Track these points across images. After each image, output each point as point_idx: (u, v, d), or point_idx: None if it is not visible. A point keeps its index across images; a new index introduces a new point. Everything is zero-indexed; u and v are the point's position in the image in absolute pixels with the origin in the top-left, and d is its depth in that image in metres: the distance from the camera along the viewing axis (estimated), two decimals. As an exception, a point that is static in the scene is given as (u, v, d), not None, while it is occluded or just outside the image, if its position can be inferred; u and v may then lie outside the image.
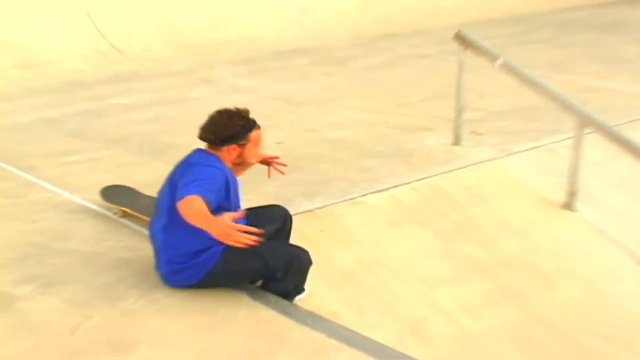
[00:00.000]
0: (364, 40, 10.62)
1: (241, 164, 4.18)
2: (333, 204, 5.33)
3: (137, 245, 4.59)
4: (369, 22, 11.43)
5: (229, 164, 4.10)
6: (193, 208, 3.69)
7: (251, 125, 4.12)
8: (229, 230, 3.64)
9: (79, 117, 7.39)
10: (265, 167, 4.53)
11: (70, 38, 9.44)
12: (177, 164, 4.14)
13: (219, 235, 3.67)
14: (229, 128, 4.08)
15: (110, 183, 5.39)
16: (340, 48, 10.22)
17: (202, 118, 4.17)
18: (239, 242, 3.64)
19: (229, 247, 3.86)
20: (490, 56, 6.14)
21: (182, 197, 3.72)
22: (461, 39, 6.23)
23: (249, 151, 4.14)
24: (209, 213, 3.70)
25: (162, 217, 4.06)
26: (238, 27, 10.53)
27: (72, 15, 9.66)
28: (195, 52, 9.77)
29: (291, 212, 4.47)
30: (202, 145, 4.14)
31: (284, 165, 4.55)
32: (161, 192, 4.13)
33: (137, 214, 4.93)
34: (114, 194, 5.23)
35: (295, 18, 11.14)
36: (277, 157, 4.55)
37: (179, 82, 8.62)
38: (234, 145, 4.07)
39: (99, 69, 9.06)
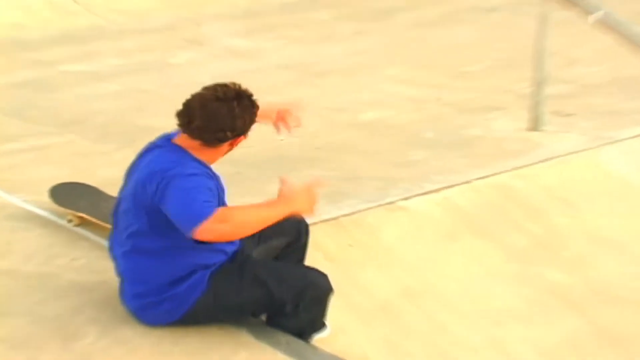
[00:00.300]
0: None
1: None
2: (365, 209, 5.34)
3: (98, 264, 4.59)
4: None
5: (210, 161, 4.07)
6: (231, 225, 3.74)
7: (255, 113, 4.10)
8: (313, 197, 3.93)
9: (19, 90, 7.42)
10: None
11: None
12: (135, 167, 4.09)
13: (306, 210, 3.94)
14: (237, 121, 4.01)
15: (63, 180, 5.40)
16: (377, -5, 10.24)
17: (188, 92, 4.14)
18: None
19: (218, 273, 3.90)
20: (584, 8, 6.11)
21: (196, 226, 3.70)
22: (544, -16, 6.22)
23: (222, 148, 4.09)
24: (252, 207, 3.90)
25: (122, 239, 4.05)
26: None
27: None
28: (179, 3, 9.80)
29: (308, 221, 4.47)
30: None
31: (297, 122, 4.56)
32: (119, 204, 4.11)
33: (98, 222, 4.95)
34: (68, 194, 5.25)
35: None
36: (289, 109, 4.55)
37: (156, 42, 8.64)
38: (226, 144, 4.08)
39: (48, 23, 9.09)
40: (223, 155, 4.09)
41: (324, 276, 4.12)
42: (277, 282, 4.02)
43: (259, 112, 4.14)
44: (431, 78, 7.62)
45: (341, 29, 9.10)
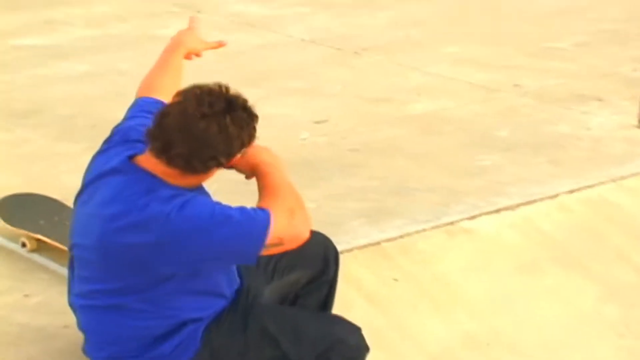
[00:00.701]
0: None
1: None
2: (417, 232, 5.37)
3: (59, 302, 4.59)
4: None
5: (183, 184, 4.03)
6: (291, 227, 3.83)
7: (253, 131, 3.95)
8: None
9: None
10: None
11: None
12: (87, 195, 3.99)
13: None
14: (237, 142, 4.00)
15: (13, 190, 5.45)
16: None
17: (190, 79, 4.17)
18: None
19: (215, 325, 3.88)
20: None
21: (266, 237, 3.72)
22: None
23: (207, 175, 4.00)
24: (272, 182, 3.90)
25: (82, 290, 4.04)
26: None
27: None
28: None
29: (339, 247, 4.48)
30: None
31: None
32: (73, 244, 4.09)
33: (60, 246, 4.98)
34: (21, 209, 5.31)
35: None
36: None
37: (138, 7, 8.68)
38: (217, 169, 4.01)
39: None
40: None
41: (356, 330, 4.02)
42: (292, 339, 3.95)
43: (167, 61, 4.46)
44: (505, 57, 7.63)
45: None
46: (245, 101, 3.85)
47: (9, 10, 8.62)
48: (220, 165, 3.82)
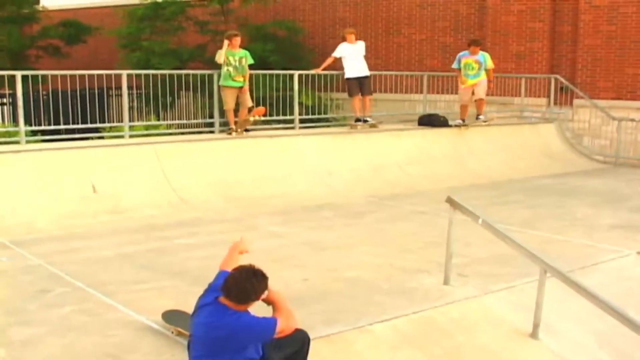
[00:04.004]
0: (376, 198, 10.68)
1: None
2: (346, 330, 5.25)
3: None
4: (380, 184, 11.53)
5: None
6: (291, 326, 3.97)
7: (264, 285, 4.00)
8: None
9: (150, 253, 7.42)
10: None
11: (149, 191, 9.60)
12: (199, 321, 3.97)
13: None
14: (258, 291, 3.94)
15: (170, 308, 5.35)
16: (358, 204, 10.27)
17: (245, 257, 4.16)
18: None
19: None
20: (474, 216, 6.17)
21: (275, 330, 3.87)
22: (451, 202, 6.30)
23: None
24: (286, 315, 3.98)
25: (195, 356, 3.97)
26: (276, 185, 10.65)
27: (152, 175, 9.86)
28: (244, 204, 9.87)
29: (311, 336, 4.37)
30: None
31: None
32: (194, 342, 4.01)
33: (186, 333, 4.86)
34: (173, 317, 5.20)
35: (322, 179, 11.27)
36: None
37: (229, 227, 8.65)
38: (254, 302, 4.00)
39: (169, 215, 9.16)
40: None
41: None
42: None
43: (230, 258, 4.47)
44: (387, 252, 7.56)
45: (336, 222, 9.12)
46: (261, 271, 3.94)
47: (174, 228, 8.59)
48: (254, 301, 3.92)
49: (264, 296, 3.96)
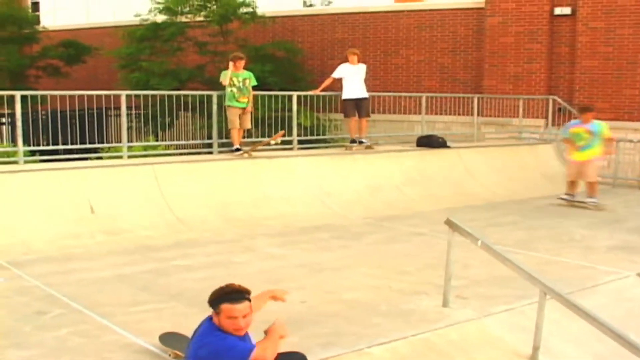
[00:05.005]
0: (373, 219, 10.67)
1: (226, 331, 3.94)
2: (344, 353, 5.20)
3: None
4: (378, 205, 11.53)
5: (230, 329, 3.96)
6: (267, 356, 3.88)
7: (222, 298, 3.91)
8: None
9: (147, 275, 7.38)
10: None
11: (147, 212, 9.57)
12: (193, 337, 4.03)
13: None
14: (210, 297, 3.99)
15: (167, 330, 5.32)
16: (355, 225, 10.25)
17: (243, 279, 4.14)
18: None
19: None
20: (473, 238, 6.15)
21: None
22: (450, 224, 6.28)
23: (223, 321, 3.91)
24: (266, 346, 3.91)
25: None
26: (274, 206, 10.64)
27: (150, 195, 9.84)
28: (241, 225, 9.84)
29: (309, 359, 4.35)
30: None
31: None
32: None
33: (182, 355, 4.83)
34: (170, 339, 5.17)
35: (321, 200, 11.26)
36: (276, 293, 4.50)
37: (226, 248, 8.62)
38: (214, 312, 3.96)
39: (167, 236, 9.12)
40: (233, 325, 3.91)
41: None
42: None
43: (260, 297, 4.32)
44: (385, 274, 7.53)
45: (333, 244, 9.09)
46: (236, 286, 3.97)
47: (171, 249, 8.56)
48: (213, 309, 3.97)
49: (217, 310, 3.92)
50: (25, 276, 7.18)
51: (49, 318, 5.95)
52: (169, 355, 4.99)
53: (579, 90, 15.87)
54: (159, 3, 18.36)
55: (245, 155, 11.49)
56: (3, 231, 8.37)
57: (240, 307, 3.86)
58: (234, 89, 11.49)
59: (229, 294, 3.91)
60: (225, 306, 3.88)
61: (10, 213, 8.65)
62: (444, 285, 6.36)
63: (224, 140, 12.21)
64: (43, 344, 5.36)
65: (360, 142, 13.05)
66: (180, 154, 12.17)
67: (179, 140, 15.66)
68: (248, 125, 11.77)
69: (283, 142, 12.85)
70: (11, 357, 5.08)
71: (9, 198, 8.83)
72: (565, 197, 12.16)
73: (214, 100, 11.95)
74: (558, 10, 16.08)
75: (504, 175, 13.87)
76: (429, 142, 13.99)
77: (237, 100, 11.52)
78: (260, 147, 11.74)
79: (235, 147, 11.65)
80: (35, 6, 25.48)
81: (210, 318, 3.98)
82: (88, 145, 11.44)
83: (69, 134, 10.85)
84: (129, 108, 11.57)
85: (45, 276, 7.15)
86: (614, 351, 5.51)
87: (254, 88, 11.81)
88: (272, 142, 11.61)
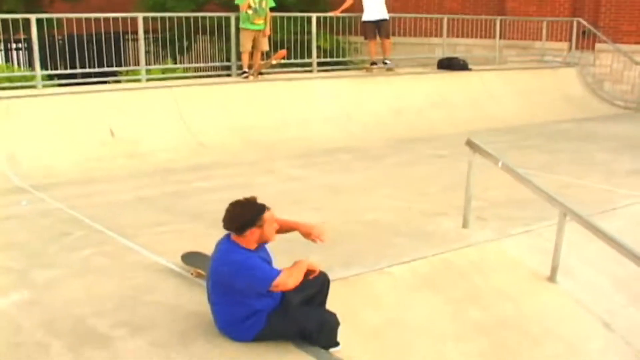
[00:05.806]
0: (395, 142, 10.60)
1: (263, 242, 4.06)
2: (365, 272, 5.24)
3: (206, 300, 4.50)
4: (399, 128, 11.44)
5: (253, 245, 4.00)
6: (289, 284, 3.87)
7: (261, 209, 4.01)
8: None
9: (168, 197, 7.43)
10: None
11: (167, 135, 9.57)
12: (214, 257, 4.07)
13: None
14: (245, 216, 3.99)
15: (189, 250, 5.37)
16: (376, 148, 10.19)
17: (264, 200, 4.14)
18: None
19: (273, 313, 3.83)
20: (493, 159, 6.09)
21: (272, 286, 3.84)
22: (471, 145, 6.22)
23: (267, 230, 4.00)
24: (291, 273, 3.92)
25: (214, 295, 4.01)
26: (294, 129, 10.59)
27: (170, 119, 9.82)
28: (262, 148, 9.83)
29: (330, 278, 4.38)
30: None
31: (322, 240, 4.43)
32: (209, 278, 4.07)
33: (204, 274, 4.89)
34: (192, 258, 5.22)
35: (341, 123, 11.19)
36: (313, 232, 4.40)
37: (247, 171, 8.63)
38: (253, 229, 3.97)
39: (187, 159, 9.14)
40: (258, 239, 3.97)
41: (333, 315, 4.03)
42: (306, 319, 3.95)
43: (290, 224, 4.29)
44: (405, 196, 7.51)
45: (355, 166, 9.08)
46: (254, 199, 4.07)
47: (192, 171, 8.59)
48: (250, 226, 3.94)
49: (261, 222, 3.96)
50: (48, 199, 7.26)
51: (72, 239, 6.03)
52: (191, 274, 5.05)
53: (604, 12, 15.35)
54: None
55: (251, 77, 11.31)
56: (24, 155, 8.43)
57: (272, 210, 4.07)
58: (250, 11, 11.04)
59: (261, 205, 4.03)
60: (267, 215, 3.98)
61: (31, 137, 8.68)
62: (464, 207, 6.35)
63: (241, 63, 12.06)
64: (68, 264, 5.45)
65: (385, 63, 12.84)
66: (199, 77, 12.07)
67: (198, 63, 15.46)
68: (265, 47, 11.53)
69: (302, 65, 12.71)
70: (37, 277, 5.17)
71: (28, 122, 8.84)
72: None
73: (232, 22, 11.75)
74: None
75: (526, 98, 13.66)
76: (450, 64, 13.76)
77: (251, 23, 11.19)
78: (263, 69, 11.54)
79: (242, 71, 11.50)
80: None
81: (228, 237, 4.02)
82: (106, 69, 11.35)
83: (86, 59, 10.74)
84: (146, 32, 11.38)
85: (67, 199, 7.23)
86: (632, 274, 5.52)
87: (272, 10, 11.55)
88: (274, 61, 11.37)
